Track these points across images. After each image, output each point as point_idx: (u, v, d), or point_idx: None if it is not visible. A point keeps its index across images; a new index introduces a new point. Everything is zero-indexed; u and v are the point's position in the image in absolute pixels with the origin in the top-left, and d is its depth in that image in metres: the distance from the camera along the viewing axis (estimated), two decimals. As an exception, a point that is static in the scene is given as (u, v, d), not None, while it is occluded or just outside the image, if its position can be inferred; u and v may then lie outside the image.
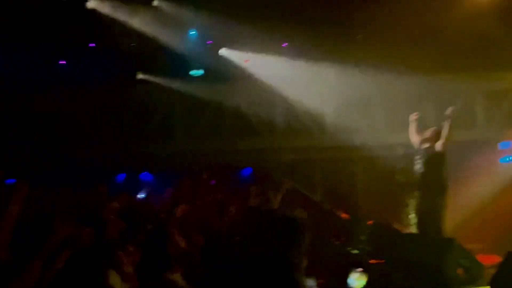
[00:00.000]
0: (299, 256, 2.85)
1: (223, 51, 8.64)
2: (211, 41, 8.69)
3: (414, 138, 5.69)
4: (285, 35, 8.30)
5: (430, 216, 5.23)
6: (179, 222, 3.50)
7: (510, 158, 8.45)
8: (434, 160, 5.34)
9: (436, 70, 8.25)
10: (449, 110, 5.34)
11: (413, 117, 5.76)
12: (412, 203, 5.79)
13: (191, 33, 8.89)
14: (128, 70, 8.54)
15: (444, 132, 5.30)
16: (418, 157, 5.52)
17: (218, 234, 3.88)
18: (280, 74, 8.32)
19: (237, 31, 7.97)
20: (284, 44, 8.76)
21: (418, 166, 5.45)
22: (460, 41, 7.76)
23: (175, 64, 8.72)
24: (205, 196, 5.16)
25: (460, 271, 4.29)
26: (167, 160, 8.40)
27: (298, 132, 8.53)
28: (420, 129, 5.76)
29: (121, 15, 7.86)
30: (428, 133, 5.59)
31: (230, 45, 8.62)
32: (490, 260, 4.86)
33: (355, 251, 5.78)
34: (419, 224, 5.40)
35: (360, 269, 2.71)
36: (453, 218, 6.53)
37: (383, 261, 5.10)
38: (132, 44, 8.37)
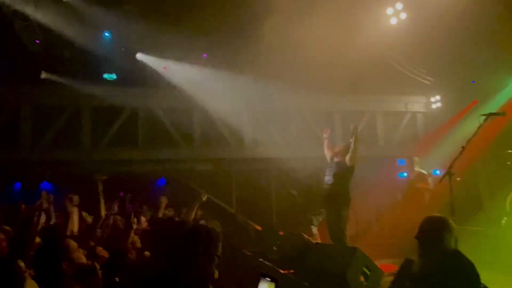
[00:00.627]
0: (210, 267, 2.81)
1: (140, 56, 8.33)
2: (126, 45, 8.31)
3: (327, 152, 6.09)
4: (206, 45, 8.27)
5: (336, 226, 5.54)
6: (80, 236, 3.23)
7: (405, 174, 9.31)
8: (342, 173, 5.70)
9: (344, 90, 8.87)
10: (352, 127, 5.76)
11: (325, 133, 6.17)
12: (320, 214, 6.09)
13: (105, 34, 8.42)
14: (31, 69, 7.78)
15: (351, 147, 5.70)
16: (329, 169, 5.87)
17: (125, 247, 3.65)
18: (199, 83, 8.25)
19: (156, 36, 7.74)
20: (205, 55, 8.71)
21: (328, 178, 5.78)
22: (364, 65, 8.45)
23: (87, 65, 8.19)
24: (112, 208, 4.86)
25: (362, 278, 4.57)
26: (71, 168, 7.79)
27: (215, 143, 8.52)
28: (331, 144, 6.18)
29: (26, 8, 7.17)
30: (337, 148, 5.98)
31: (148, 50, 8.35)
32: (390, 268, 5.26)
33: (266, 262, 5.86)
34: (330, 235, 5.68)
35: (268, 279, 2.74)
36: (355, 228, 7.02)
37: (292, 271, 5.24)
38: (37, 41, 7.66)
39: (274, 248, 6.25)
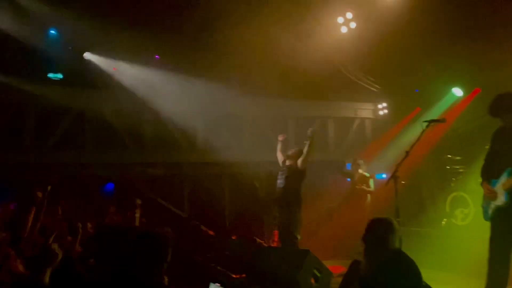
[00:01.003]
0: (160, 274, 2.73)
1: (88, 55, 8.00)
2: (73, 44, 7.95)
3: (279, 156, 6.18)
4: (158, 47, 8.10)
5: (288, 229, 5.61)
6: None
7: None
8: (294, 177, 5.79)
9: (297, 95, 9.05)
10: (309, 131, 5.88)
11: (280, 137, 6.25)
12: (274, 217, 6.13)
13: (51, 32, 8.00)
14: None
15: (305, 150, 5.81)
16: (280, 173, 5.96)
17: (69, 255, 3.47)
18: (151, 86, 8.06)
19: (106, 36, 7.47)
20: (157, 56, 8.53)
21: (279, 181, 5.85)
22: (316, 74, 8.68)
23: (31, 64, 7.73)
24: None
25: (312, 280, 4.65)
26: (12, 171, 7.31)
27: (167, 146, 8.35)
28: (284, 148, 6.28)
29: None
30: (290, 152, 6.08)
31: (96, 50, 8.04)
32: (339, 269, 5.40)
33: (218, 267, 5.81)
34: (279, 237, 5.75)
35: (218, 284, 2.71)
36: (307, 230, 7.13)
37: (244, 275, 5.23)
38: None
39: (227, 252, 6.22)
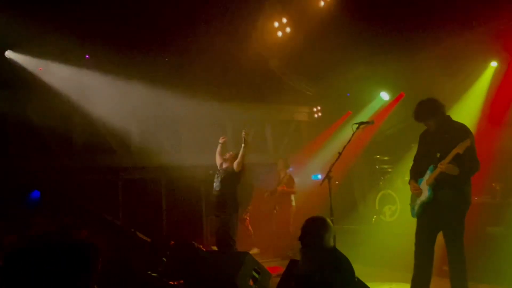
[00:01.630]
0: (89, 283, 2.58)
1: (10, 54, 7.39)
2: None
3: (218, 159, 6.16)
4: (89, 46, 7.69)
5: (225, 232, 5.60)
6: None
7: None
8: (230, 179, 5.80)
9: (235, 99, 9.08)
10: (243, 133, 5.93)
11: (221, 140, 6.22)
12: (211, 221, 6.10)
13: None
14: None
15: (240, 152, 5.85)
16: (217, 176, 5.95)
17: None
18: (81, 87, 7.63)
19: (29, 33, 6.94)
20: (87, 56, 8.10)
21: (216, 184, 5.83)
22: (254, 77, 8.79)
23: None
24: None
25: (251, 282, 4.67)
26: None
27: (100, 150, 7.95)
28: (224, 151, 6.27)
29: None
30: (227, 155, 6.09)
31: (20, 48, 7.45)
32: (277, 270, 5.49)
33: (154, 274, 5.63)
34: (217, 241, 5.72)
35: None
36: (247, 232, 7.20)
37: (182, 281, 5.12)
38: None
39: (164, 259, 6.05)
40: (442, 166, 3.92)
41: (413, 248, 4.23)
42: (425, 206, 4.14)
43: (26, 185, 7.64)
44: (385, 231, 6.85)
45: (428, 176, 4.11)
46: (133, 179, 8.53)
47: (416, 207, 4.22)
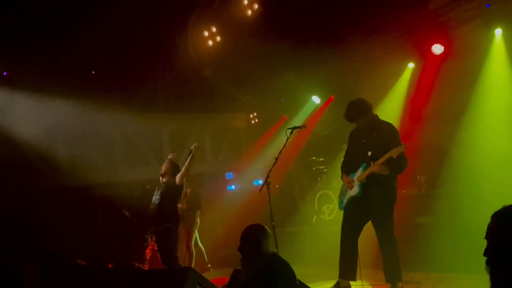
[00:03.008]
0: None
1: None
2: None
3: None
4: (5, 62, 7.13)
5: (166, 247, 5.44)
6: None
7: (233, 186, 9.87)
8: (171, 192, 5.64)
9: (171, 110, 8.90)
10: (192, 146, 5.79)
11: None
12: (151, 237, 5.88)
13: None
14: None
15: (185, 165, 5.69)
16: (156, 189, 5.74)
17: None
18: (-1, 106, 7.04)
19: None
20: (5, 73, 7.50)
21: (156, 197, 5.64)
22: (188, 87, 8.68)
23: None
24: None
25: (196, 296, 4.56)
26: None
27: (23, 173, 7.37)
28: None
29: None
30: (163, 168, 5.89)
31: None
32: (222, 281, 5.41)
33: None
34: (161, 259, 5.52)
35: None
36: (190, 245, 7.05)
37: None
38: None
39: (102, 282, 5.73)
40: (375, 167, 4.13)
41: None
42: (353, 200, 4.35)
43: None
44: (325, 229, 7.05)
45: (359, 173, 4.31)
46: (62, 201, 8.00)
47: (345, 200, 4.43)
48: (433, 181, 6.43)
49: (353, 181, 4.38)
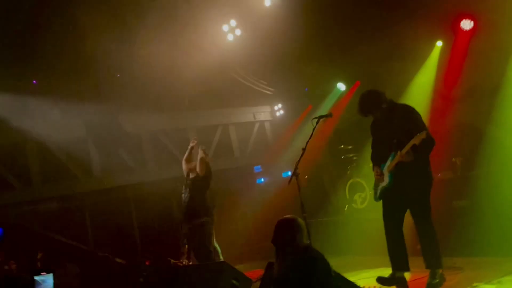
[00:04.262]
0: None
1: None
2: None
3: (184, 165, 5.95)
4: (35, 71, 7.34)
5: (200, 243, 5.49)
6: None
7: (262, 179, 9.86)
8: (198, 188, 5.66)
9: (196, 107, 8.96)
10: (192, 142, 5.83)
11: (192, 143, 6.01)
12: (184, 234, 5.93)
13: None
14: None
15: (198, 157, 5.73)
16: (184, 187, 5.79)
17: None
18: (31, 114, 7.29)
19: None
20: (35, 81, 7.75)
21: (185, 195, 5.69)
22: (211, 83, 8.69)
23: None
24: None
25: (232, 290, 4.59)
26: None
27: (59, 178, 7.62)
28: (190, 157, 6.06)
29: None
30: (193, 164, 5.94)
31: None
32: (256, 274, 5.43)
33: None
34: (195, 254, 5.59)
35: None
36: (224, 241, 7.09)
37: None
38: None
39: (141, 279, 5.86)
40: (402, 157, 4.04)
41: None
42: (386, 190, 4.26)
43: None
44: (358, 218, 6.94)
45: (389, 162, 4.21)
46: (99, 202, 8.24)
47: (378, 192, 4.34)
48: (469, 163, 6.19)
49: (383, 172, 4.28)
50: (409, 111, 4.22)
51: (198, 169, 5.69)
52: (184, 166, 6.06)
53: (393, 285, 4.23)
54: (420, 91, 6.96)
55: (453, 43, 6.59)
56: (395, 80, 7.31)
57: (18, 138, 7.16)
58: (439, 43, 6.89)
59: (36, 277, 3.86)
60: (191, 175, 5.89)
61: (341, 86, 8.60)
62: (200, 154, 5.71)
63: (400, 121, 4.17)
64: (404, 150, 4.04)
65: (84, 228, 8.15)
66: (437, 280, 4.05)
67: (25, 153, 7.44)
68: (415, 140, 3.96)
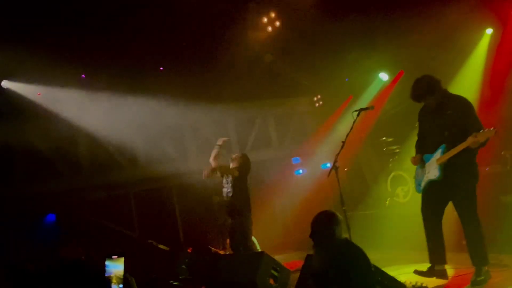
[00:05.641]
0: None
1: (6, 84, 7.44)
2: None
3: (212, 163, 5.83)
4: (82, 66, 7.71)
5: (240, 233, 5.59)
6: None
7: (301, 171, 9.86)
8: (237, 185, 5.69)
9: (234, 99, 9.06)
10: (220, 141, 5.83)
11: (219, 141, 6.02)
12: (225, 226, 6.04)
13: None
14: None
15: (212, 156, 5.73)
16: (226, 181, 5.84)
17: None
18: (81, 107, 7.67)
19: (22, 60, 6.97)
20: (83, 76, 8.13)
21: (227, 190, 5.75)
22: (250, 75, 8.75)
23: None
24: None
25: (271, 281, 4.68)
26: None
27: (107, 167, 8.01)
28: (219, 155, 6.02)
29: None
30: (234, 156, 5.98)
31: (15, 76, 7.50)
32: (297, 264, 5.48)
33: (176, 282, 5.68)
34: (232, 244, 5.71)
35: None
36: (262, 231, 7.19)
37: (203, 287, 5.15)
38: None
39: (183, 266, 6.08)
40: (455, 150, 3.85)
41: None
42: (432, 183, 4.14)
43: (40, 210, 7.75)
44: (400, 212, 6.80)
45: (439, 155, 4.07)
46: (143, 191, 8.58)
47: (423, 184, 4.22)
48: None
49: (429, 164, 4.15)
50: (467, 105, 4.02)
51: (230, 174, 5.68)
52: (212, 162, 5.82)
53: (432, 276, 4.15)
54: (468, 81, 6.65)
55: (504, 30, 6.23)
56: (442, 70, 7.01)
57: (68, 130, 7.56)
58: (489, 31, 6.54)
59: (107, 261, 4.10)
60: (229, 179, 5.84)
61: (384, 76, 8.38)
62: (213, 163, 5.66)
63: (455, 114, 4.00)
64: (459, 149, 3.89)
65: (130, 216, 8.53)
66: (482, 277, 3.94)
67: (75, 142, 7.86)
68: (473, 144, 3.77)
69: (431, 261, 4.21)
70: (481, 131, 3.76)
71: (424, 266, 4.48)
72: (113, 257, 3.99)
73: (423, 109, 4.39)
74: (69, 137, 7.69)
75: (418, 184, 4.34)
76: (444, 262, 4.20)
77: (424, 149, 4.31)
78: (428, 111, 4.29)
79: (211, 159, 5.92)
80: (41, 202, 7.59)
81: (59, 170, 7.76)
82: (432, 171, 4.13)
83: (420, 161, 4.27)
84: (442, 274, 4.17)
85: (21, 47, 6.55)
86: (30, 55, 6.68)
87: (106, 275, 4.09)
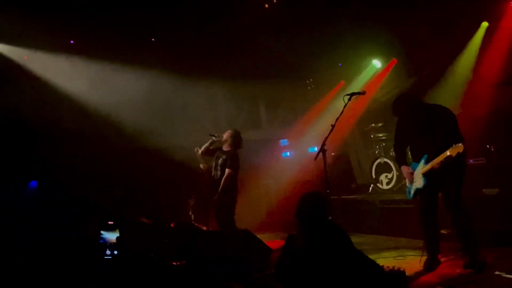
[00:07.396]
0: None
1: None
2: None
3: (201, 154, 5.94)
4: (74, 31, 7.48)
5: (224, 210, 5.61)
6: None
7: (288, 153, 9.88)
8: (230, 161, 5.70)
9: (229, 77, 8.96)
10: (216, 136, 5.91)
11: (216, 136, 5.96)
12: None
13: None
14: None
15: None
16: (216, 158, 5.84)
17: None
18: (68, 74, 7.49)
19: (10, 22, 6.74)
20: (72, 41, 7.90)
21: (216, 171, 5.76)
22: (244, 54, 8.62)
23: None
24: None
25: (252, 258, 4.72)
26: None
27: (91, 136, 7.88)
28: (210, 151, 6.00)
29: None
30: (224, 135, 5.94)
31: (3, 38, 7.27)
32: (276, 245, 5.54)
33: (157, 256, 5.68)
34: (217, 221, 5.73)
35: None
36: (246, 210, 7.24)
37: (184, 261, 5.18)
38: None
39: (165, 240, 6.09)
40: (435, 165, 4.00)
41: (411, 214, 4.29)
42: (420, 191, 4.24)
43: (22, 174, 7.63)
44: (382, 199, 6.88)
45: (422, 165, 4.15)
46: (126, 164, 8.46)
47: (412, 192, 4.32)
48: (505, 151, 5.97)
49: (414, 173, 4.24)
50: (450, 117, 4.11)
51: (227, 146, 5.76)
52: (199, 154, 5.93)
53: (436, 267, 4.24)
54: (459, 73, 6.67)
55: (500, 24, 6.24)
56: (435, 61, 7.03)
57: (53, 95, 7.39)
58: (484, 23, 6.54)
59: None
60: (225, 148, 5.86)
61: (377, 63, 8.36)
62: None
63: (437, 126, 4.08)
64: (438, 160, 3.96)
65: (113, 189, 8.44)
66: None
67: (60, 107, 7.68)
68: (452, 152, 3.84)
69: (429, 253, 4.31)
70: (453, 145, 3.83)
71: (405, 252, 4.56)
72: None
73: (397, 123, 4.47)
74: (54, 102, 7.51)
75: (408, 192, 4.43)
76: (438, 253, 4.33)
77: (402, 150, 4.41)
78: (403, 126, 4.38)
79: (202, 151, 5.97)
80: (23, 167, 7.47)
81: (41, 134, 7.56)
82: (418, 181, 4.25)
83: (410, 174, 4.32)
84: (438, 263, 4.29)
85: (8, 8, 6.33)
86: (20, 18, 6.46)
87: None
